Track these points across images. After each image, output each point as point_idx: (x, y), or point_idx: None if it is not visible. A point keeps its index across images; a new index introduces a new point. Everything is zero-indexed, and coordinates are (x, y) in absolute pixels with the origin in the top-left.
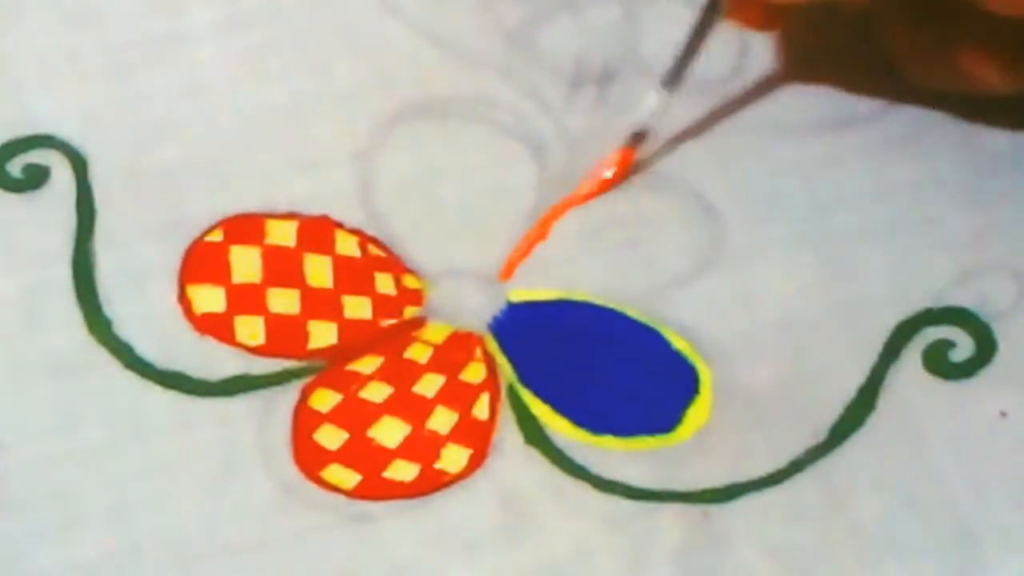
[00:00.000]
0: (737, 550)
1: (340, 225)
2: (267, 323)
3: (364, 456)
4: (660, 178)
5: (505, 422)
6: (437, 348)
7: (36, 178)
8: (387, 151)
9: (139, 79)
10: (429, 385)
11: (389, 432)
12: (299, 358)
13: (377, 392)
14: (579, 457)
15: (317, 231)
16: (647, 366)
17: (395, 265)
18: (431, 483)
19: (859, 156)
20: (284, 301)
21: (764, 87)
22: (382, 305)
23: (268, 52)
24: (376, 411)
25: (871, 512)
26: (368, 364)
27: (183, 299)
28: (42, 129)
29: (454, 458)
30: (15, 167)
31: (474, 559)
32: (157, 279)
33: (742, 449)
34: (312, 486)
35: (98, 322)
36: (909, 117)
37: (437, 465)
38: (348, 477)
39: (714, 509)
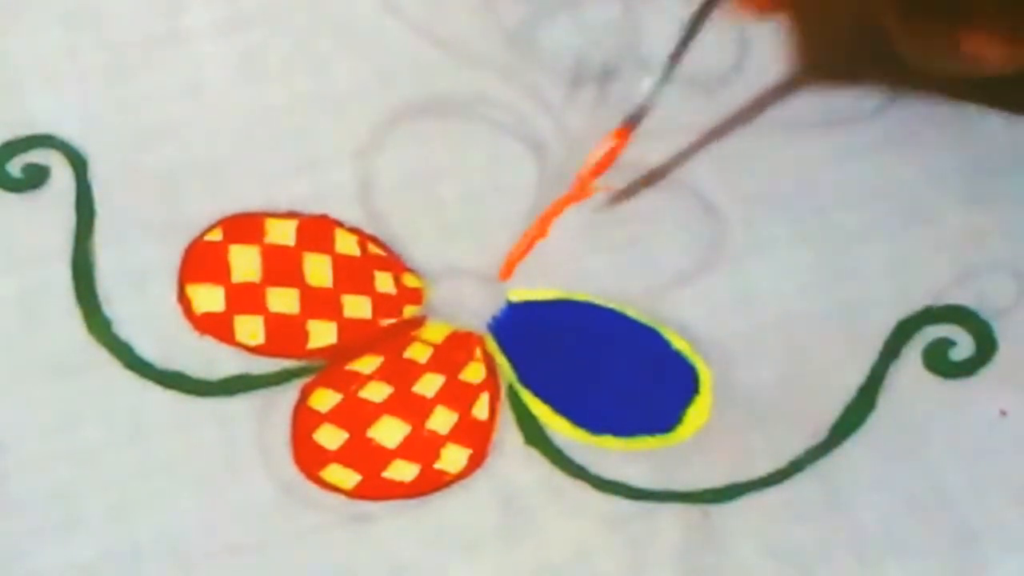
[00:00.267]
0: (737, 550)
1: (340, 224)
2: (267, 323)
3: (364, 456)
4: (659, 177)
5: (505, 422)
6: (437, 348)
7: (36, 178)
8: (387, 150)
9: (139, 79)
10: (429, 385)
11: (389, 432)
12: (299, 358)
13: (377, 392)
14: (579, 457)
15: (317, 230)
16: (647, 366)
17: (395, 264)
18: (431, 483)
19: (859, 155)
20: (284, 300)
21: (763, 86)
22: (382, 304)
23: (268, 52)
24: (376, 411)
25: (871, 512)
26: (368, 364)
27: (183, 299)
28: (42, 129)
29: (454, 458)
30: (15, 167)
31: (474, 559)
32: (157, 279)
33: (742, 449)
34: (312, 486)
35: (98, 322)
36: (909, 116)
37: (437, 465)
38: (348, 477)
39: (714, 509)
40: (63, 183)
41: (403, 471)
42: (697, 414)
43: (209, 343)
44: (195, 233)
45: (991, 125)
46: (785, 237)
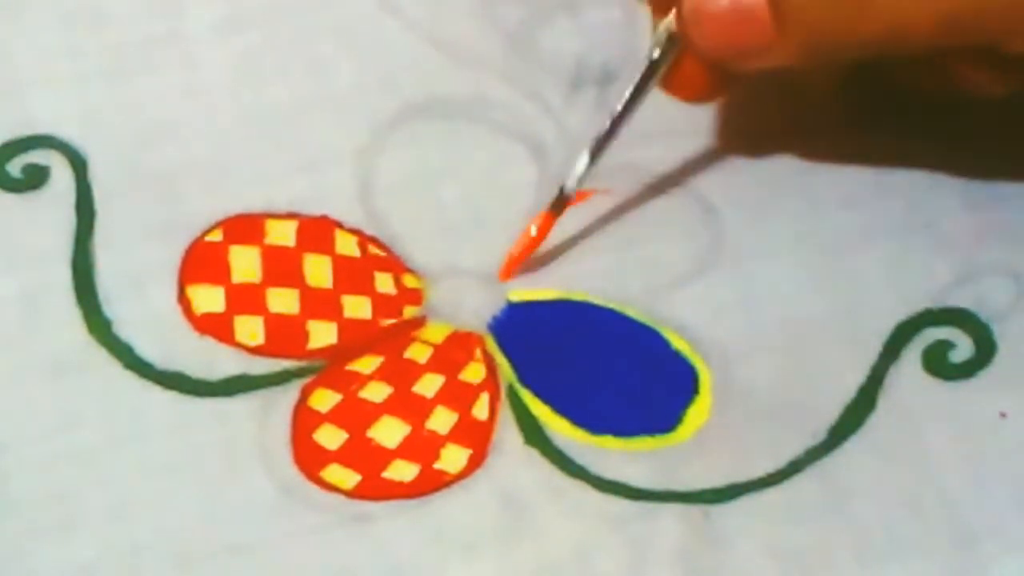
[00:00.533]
0: (737, 550)
1: (340, 225)
2: (267, 323)
3: (364, 456)
4: (660, 178)
5: (505, 422)
6: (437, 348)
7: (36, 178)
8: (387, 151)
9: (139, 79)
10: (429, 385)
11: (389, 432)
12: (299, 358)
13: (377, 392)
14: (579, 457)
15: (317, 231)
16: (647, 366)
17: (395, 265)
18: (431, 483)
19: (858, 157)
20: (284, 301)
21: (763, 88)
22: (382, 305)
23: (268, 52)
24: (376, 411)
25: (871, 512)
26: (368, 364)
27: (183, 299)
28: (42, 129)
29: (454, 458)
30: (15, 167)
31: (474, 559)
32: (157, 279)
33: (742, 449)
34: (312, 486)
35: (98, 322)
36: (908, 118)
37: (437, 465)
38: (348, 477)
39: (714, 509)
40: (63, 183)
41: (403, 471)
42: (697, 414)
43: (209, 343)
44: (195, 233)
45: (990, 128)
46: (785, 239)
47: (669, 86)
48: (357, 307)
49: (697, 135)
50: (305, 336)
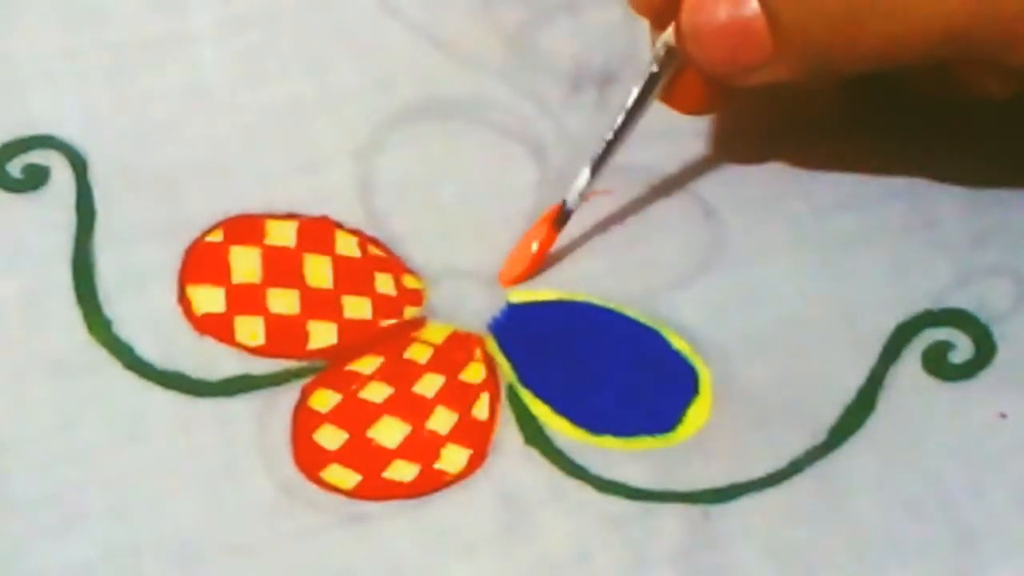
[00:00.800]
0: (737, 550)
1: (340, 225)
2: (267, 323)
3: (364, 456)
4: (660, 179)
5: (505, 422)
6: (437, 348)
7: (36, 178)
8: (387, 152)
9: (139, 79)
10: (429, 385)
11: (389, 432)
12: (299, 358)
13: (377, 392)
14: (579, 457)
15: (317, 231)
16: (647, 366)
17: (395, 265)
18: (431, 483)
19: (858, 158)
20: (284, 301)
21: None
22: (382, 305)
23: (268, 53)
24: (376, 411)
25: (871, 513)
26: (368, 364)
27: (183, 299)
28: (42, 129)
29: (454, 458)
30: (15, 167)
31: (474, 559)
32: (157, 279)
33: (742, 449)
34: (312, 486)
35: (98, 322)
36: (908, 119)
37: (437, 465)
38: (348, 477)
39: (714, 509)
40: (63, 184)
41: (403, 471)
42: (697, 414)
43: (209, 344)
44: (195, 234)
45: (991, 129)
46: (785, 239)
47: (668, 99)
48: (357, 307)
49: (697, 136)
50: (305, 336)
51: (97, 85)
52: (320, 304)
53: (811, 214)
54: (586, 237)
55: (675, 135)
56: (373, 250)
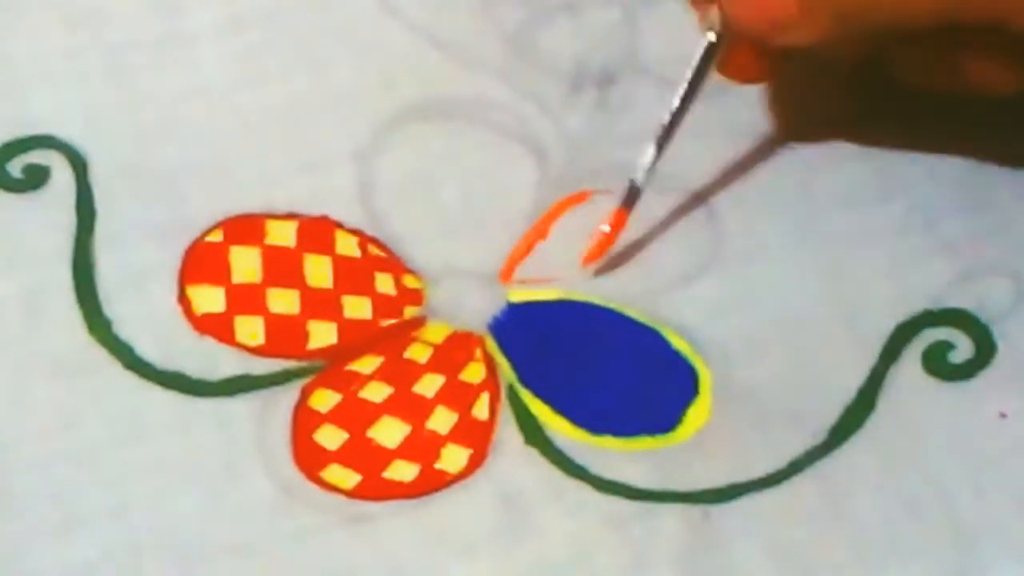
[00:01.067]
0: (737, 550)
1: (340, 225)
2: (267, 323)
3: (364, 456)
4: (660, 179)
5: (505, 422)
6: (437, 348)
7: (36, 178)
8: (387, 152)
9: (139, 79)
10: (429, 385)
11: (389, 432)
12: (299, 358)
13: (377, 392)
14: (579, 457)
15: (317, 231)
16: (647, 366)
17: (395, 265)
18: (431, 483)
19: (858, 158)
20: (284, 301)
21: (762, 91)
22: (382, 305)
23: (268, 53)
24: (376, 411)
25: (871, 513)
26: (368, 364)
27: (183, 299)
28: (42, 129)
29: (454, 458)
30: (15, 167)
31: (474, 559)
32: (157, 279)
33: (742, 449)
34: (312, 486)
35: (98, 322)
36: (908, 119)
37: (437, 465)
38: (348, 477)
39: (714, 509)
40: (63, 184)
41: (403, 471)
42: (697, 414)
43: (209, 343)
44: (196, 234)
45: (991, 128)
46: (785, 240)
47: (722, 69)
48: (357, 307)
49: (698, 137)
50: (305, 336)
51: (97, 85)
52: (320, 304)
53: (811, 214)
54: (586, 237)
55: (676, 136)
56: (373, 250)
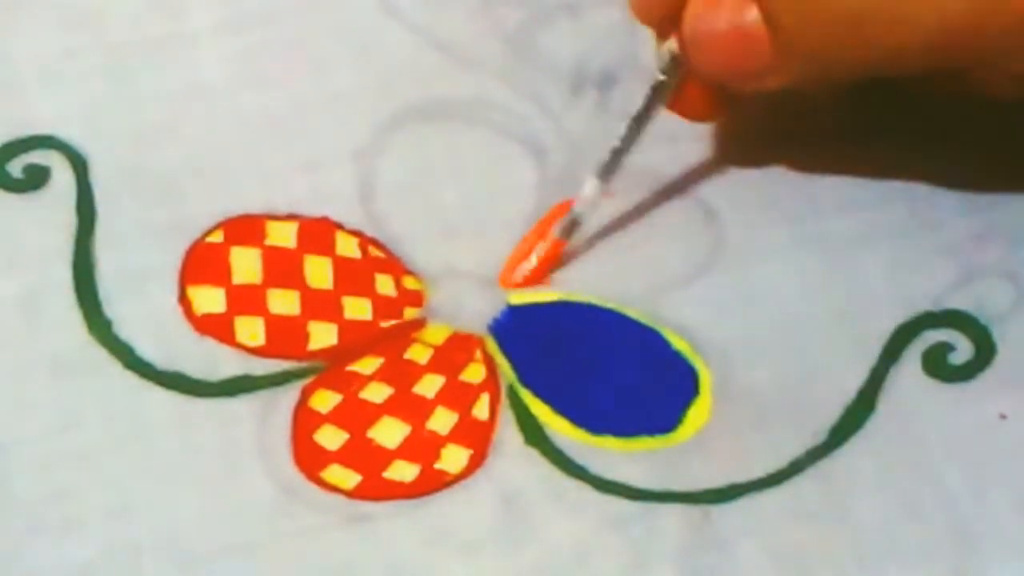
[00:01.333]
0: (737, 550)
1: (340, 226)
2: (267, 324)
3: (364, 456)
4: (660, 180)
5: (505, 422)
6: (437, 349)
7: (36, 178)
8: (387, 152)
9: (140, 80)
10: (429, 386)
11: (389, 432)
12: (299, 359)
13: (377, 393)
14: (579, 457)
15: (317, 232)
16: (647, 366)
17: (395, 266)
18: (431, 483)
19: (858, 159)
20: (284, 302)
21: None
22: (382, 306)
23: (268, 53)
24: (376, 411)
25: (871, 513)
26: (368, 365)
27: (183, 300)
28: (42, 129)
29: (454, 458)
30: (15, 167)
31: (474, 559)
32: (157, 280)
33: (742, 449)
34: (312, 486)
35: (98, 323)
36: (908, 121)
37: (437, 465)
38: (348, 477)
39: (714, 509)
40: (64, 184)
41: (403, 471)
42: (697, 415)
43: (210, 344)
44: (196, 234)
45: (991, 129)
46: (785, 240)
47: (674, 106)
48: (357, 308)
49: (698, 139)
50: (305, 337)
51: (97, 85)
52: (320, 305)
53: (811, 215)
54: (587, 238)
55: (676, 137)
56: (373, 251)
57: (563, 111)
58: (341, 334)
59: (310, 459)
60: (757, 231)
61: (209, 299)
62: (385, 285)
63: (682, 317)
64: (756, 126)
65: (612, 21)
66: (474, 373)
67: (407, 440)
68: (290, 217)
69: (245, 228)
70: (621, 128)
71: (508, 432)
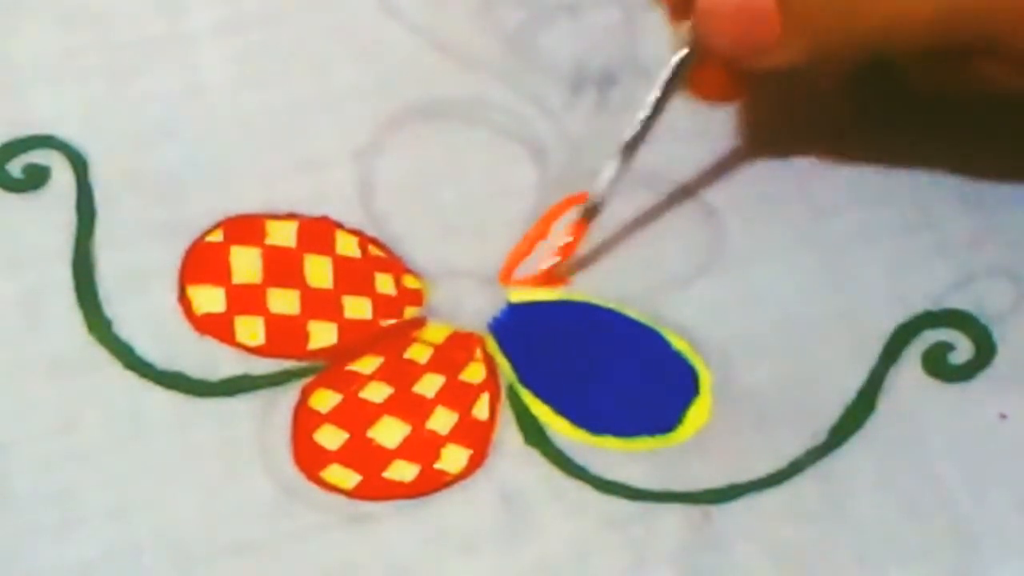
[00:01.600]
0: (737, 550)
1: (340, 226)
2: (267, 323)
3: (364, 456)
4: (660, 180)
5: (505, 422)
6: (437, 348)
7: (36, 178)
8: (387, 152)
9: (139, 79)
10: (429, 385)
11: (389, 432)
12: (299, 358)
13: (377, 392)
14: (579, 457)
15: (317, 232)
16: (647, 366)
17: (395, 265)
18: (431, 483)
19: (858, 158)
20: (284, 301)
21: (762, 92)
22: (382, 305)
23: (268, 53)
24: (376, 411)
25: (871, 513)
26: (368, 364)
27: (183, 299)
28: (42, 129)
29: (454, 458)
30: (15, 167)
31: (474, 559)
32: (157, 279)
33: (742, 449)
34: (312, 486)
35: (98, 322)
36: (908, 121)
37: (437, 465)
38: (348, 477)
39: (714, 509)
40: (64, 184)
41: (403, 471)
42: (697, 415)
43: (210, 344)
44: (196, 234)
45: (991, 129)
46: (785, 240)
47: (692, 88)
48: (357, 308)
49: (698, 138)
50: (305, 336)
51: (97, 85)
52: (320, 304)
53: (811, 215)
54: (587, 238)
55: (676, 137)
56: (373, 250)
57: (563, 111)
58: (341, 333)
59: (310, 459)
60: (757, 230)
61: (209, 299)
62: (385, 284)
63: (682, 317)
64: (756, 125)
65: (612, 21)
66: (474, 373)
67: (407, 440)
68: (290, 217)
69: (245, 228)
70: (641, 112)
71: (508, 432)
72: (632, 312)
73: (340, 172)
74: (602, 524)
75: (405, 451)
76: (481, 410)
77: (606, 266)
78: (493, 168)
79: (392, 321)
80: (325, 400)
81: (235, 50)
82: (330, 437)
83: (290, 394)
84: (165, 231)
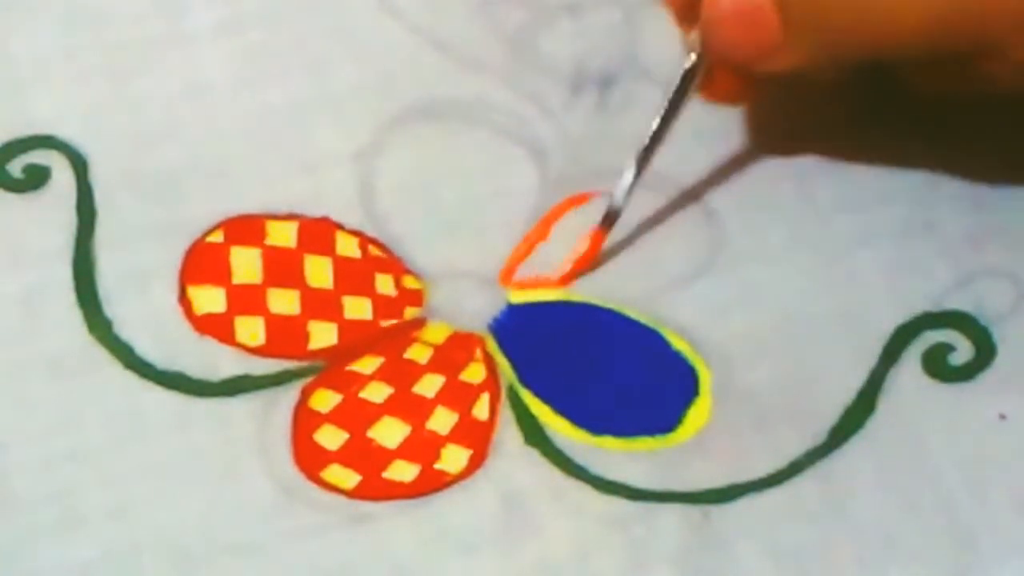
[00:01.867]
0: (737, 550)
1: (340, 226)
2: (267, 323)
3: (364, 456)
4: (660, 180)
5: (505, 422)
6: (437, 348)
7: (36, 178)
8: (387, 153)
9: (140, 80)
10: (429, 385)
11: (389, 432)
12: (299, 358)
13: (377, 392)
14: (579, 457)
15: (317, 232)
16: (647, 366)
17: (395, 266)
18: (431, 483)
19: (858, 159)
20: (284, 302)
21: (762, 92)
22: (382, 306)
23: (268, 53)
24: (376, 411)
25: (871, 514)
26: (368, 364)
27: (183, 299)
28: (42, 129)
29: (454, 458)
30: (15, 167)
31: (474, 559)
32: (157, 279)
33: (742, 450)
34: (312, 486)
35: (98, 322)
36: (908, 121)
37: (437, 465)
38: (348, 477)
39: (714, 509)
40: (64, 184)
41: (403, 471)
42: (697, 415)
43: (210, 344)
44: (196, 234)
45: (991, 130)
46: (785, 241)
47: (703, 91)
48: (358, 308)
49: (698, 139)
50: (306, 337)
51: (97, 85)
52: (320, 304)
53: (811, 215)
54: (587, 239)
55: (676, 138)
56: (373, 251)
57: (563, 111)
58: (341, 334)
59: (310, 459)
60: (757, 230)
61: (209, 299)
62: (385, 285)
63: (682, 317)
64: (756, 126)
65: (612, 21)
66: (474, 373)
67: (407, 440)
68: (290, 217)
69: (245, 228)
70: (656, 116)
71: (508, 432)
72: (632, 312)
73: (340, 172)
74: (602, 524)
75: (405, 451)
76: (481, 410)
77: (606, 266)
78: (493, 169)
79: (392, 321)
80: (325, 400)
81: (235, 50)
82: (330, 437)
83: (290, 394)
84: (165, 231)
